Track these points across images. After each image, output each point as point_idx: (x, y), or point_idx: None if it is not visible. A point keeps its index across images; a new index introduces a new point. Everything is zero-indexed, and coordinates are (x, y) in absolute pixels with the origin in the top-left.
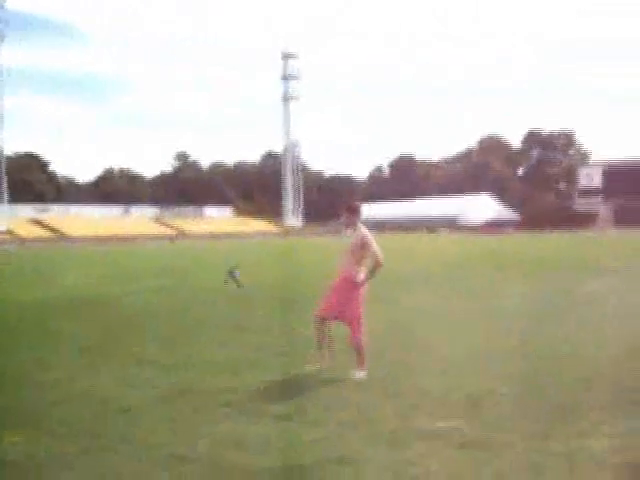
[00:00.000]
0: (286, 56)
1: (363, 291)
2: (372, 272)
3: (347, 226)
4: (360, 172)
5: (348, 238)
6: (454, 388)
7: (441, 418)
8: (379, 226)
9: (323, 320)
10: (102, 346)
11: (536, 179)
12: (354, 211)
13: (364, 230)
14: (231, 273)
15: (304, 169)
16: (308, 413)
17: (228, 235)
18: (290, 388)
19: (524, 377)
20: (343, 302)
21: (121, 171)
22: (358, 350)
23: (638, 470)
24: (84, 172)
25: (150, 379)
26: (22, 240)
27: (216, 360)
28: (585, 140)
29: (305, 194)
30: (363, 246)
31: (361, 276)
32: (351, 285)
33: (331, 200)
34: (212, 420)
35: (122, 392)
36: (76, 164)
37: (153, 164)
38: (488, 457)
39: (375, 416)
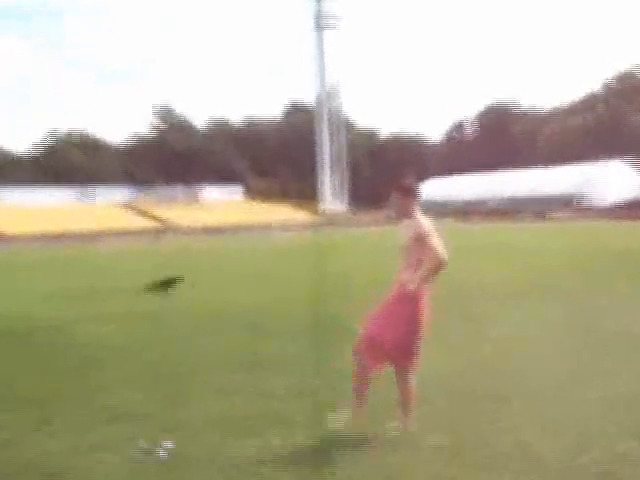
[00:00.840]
0: None
1: (422, 308)
2: (427, 276)
3: (398, 213)
4: (431, 132)
5: (403, 231)
6: (576, 452)
7: None
8: (459, 211)
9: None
10: (54, 395)
11: None
12: (407, 192)
13: (421, 219)
14: (167, 284)
15: (348, 128)
16: None
17: (237, 228)
18: (333, 454)
19: None
20: (389, 324)
21: (76, 135)
22: (406, 395)
23: None
24: (22, 141)
25: (128, 439)
26: None
27: (223, 413)
28: None
29: (352, 165)
30: (419, 242)
31: (411, 285)
32: (402, 299)
33: (391, 172)
34: None
35: (86, 462)
36: (11, 130)
37: (123, 125)
38: None
39: None
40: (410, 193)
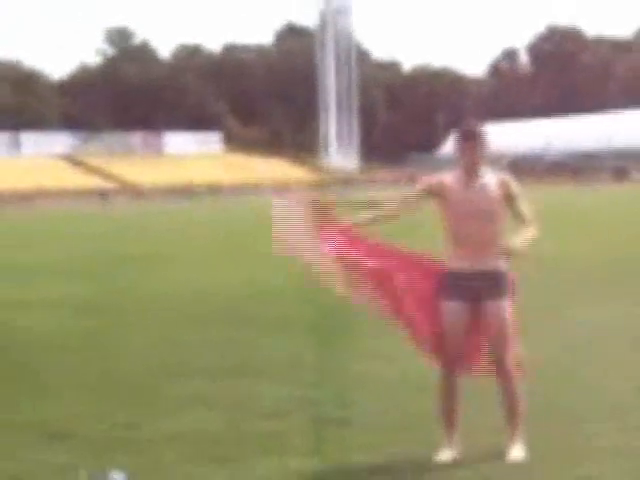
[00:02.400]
0: None
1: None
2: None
3: (473, 167)
4: (471, 64)
5: (468, 194)
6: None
7: None
8: (509, 168)
9: (453, 371)
10: None
11: None
12: (481, 138)
13: (502, 175)
14: None
15: (361, 57)
16: None
17: (215, 188)
18: None
19: None
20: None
21: (4, 69)
22: (513, 405)
23: None
24: None
25: (68, 466)
26: None
27: (198, 430)
28: None
29: (364, 107)
30: (505, 203)
31: (517, 243)
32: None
33: (416, 118)
34: None
35: None
36: None
37: (63, 53)
38: None
39: None
40: (484, 139)
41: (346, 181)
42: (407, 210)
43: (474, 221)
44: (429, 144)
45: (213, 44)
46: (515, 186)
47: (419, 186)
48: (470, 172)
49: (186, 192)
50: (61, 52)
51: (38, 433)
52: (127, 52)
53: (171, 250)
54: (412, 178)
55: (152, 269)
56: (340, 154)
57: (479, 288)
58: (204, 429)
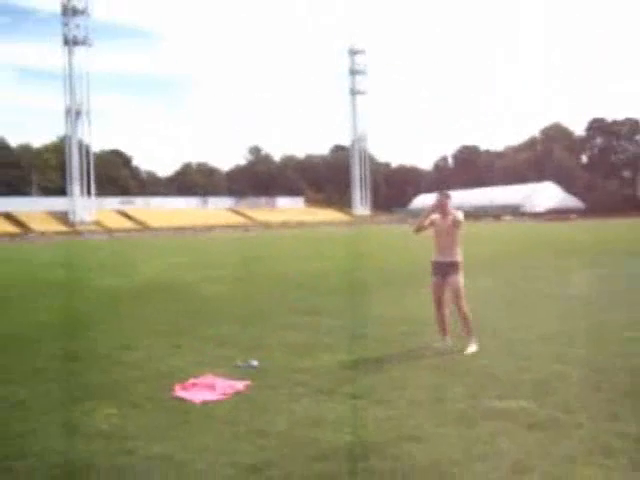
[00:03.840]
0: (353, 52)
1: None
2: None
3: (443, 210)
4: (425, 163)
5: (440, 222)
6: (522, 370)
7: (510, 398)
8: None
9: (438, 306)
10: (180, 329)
11: (600, 167)
12: (448, 197)
13: (457, 212)
14: None
15: (371, 160)
16: (379, 393)
17: (299, 224)
18: (363, 369)
19: (590, 360)
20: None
21: (199, 165)
22: (467, 324)
23: None
24: (164, 167)
25: (229, 359)
26: (109, 231)
27: (291, 342)
28: None
29: (372, 184)
30: (456, 227)
31: (459, 257)
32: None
33: (398, 189)
34: (288, 398)
35: (202, 371)
36: (157, 160)
37: (228, 158)
38: (556, 437)
39: (443, 395)
40: (449, 198)
41: (363, 220)
42: (428, 216)
43: (444, 235)
44: (404, 203)
45: (300, 153)
46: (461, 217)
47: (427, 213)
48: (443, 212)
49: (285, 226)
50: (225, 156)
51: (216, 341)
52: (259, 158)
53: (276, 253)
54: (397, 219)
55: (268, 262)
56: (361, 207)
57: (446, 269)
58: (294, 340)
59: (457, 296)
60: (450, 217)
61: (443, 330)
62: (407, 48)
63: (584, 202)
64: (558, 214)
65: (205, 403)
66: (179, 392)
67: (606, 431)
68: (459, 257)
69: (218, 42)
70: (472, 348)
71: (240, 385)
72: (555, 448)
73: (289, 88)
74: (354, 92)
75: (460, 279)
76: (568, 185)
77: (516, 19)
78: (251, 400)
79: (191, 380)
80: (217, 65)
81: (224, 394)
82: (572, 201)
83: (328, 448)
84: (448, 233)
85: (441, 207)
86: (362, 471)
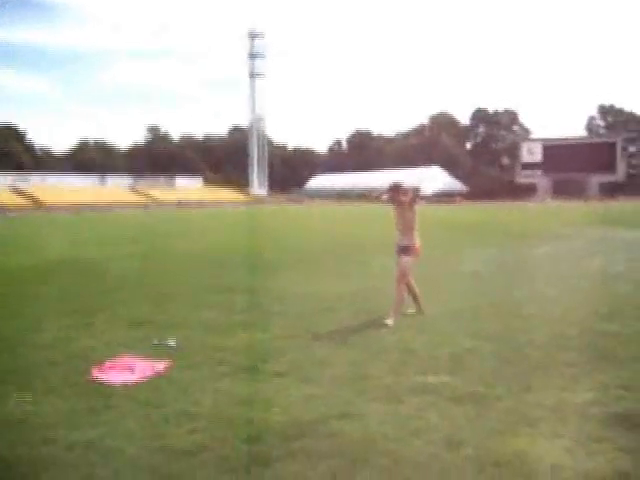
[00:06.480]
0: (252, 35)
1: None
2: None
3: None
4: (320, 146)
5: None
6: (437, 345)
7: (431, 373)
8: (335, 196)
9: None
10: (91, 308)
11: (482, 153)
12: (400, 188)
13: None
14: None
15: (269, 142)
16: (303, 370)
17: (198, 203)
18: (284, 346)
19: (498, 335)
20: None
21: (96, 143)
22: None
23: (614, 419)
24: (60, 143)
25: (145, 339)
26: (3, 209)
27: (208, 320)
28: (527, 118)
29: (270, 166)
30: (412, 208)
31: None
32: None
33: (294, 171)
34: (211, 378)
35: (118, 352)
36: (52, 136)
37: (127, 136)
38: (481, 410)
39: (367, 372)
40: (400, 188)
41: (261, 200)
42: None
43: (400, 221)
44: (300, 183)
45: (199, 134)
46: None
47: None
48: (398, 202)
49: (184, 205)
50: (124, 134)
51: (129, 321)
52: (157, 137)
53: (177, 231)
54: (298, 199)
55: (170, 239)
56: (259, 188)
57: (400, 250)
58: (208, 318)
59: (400, 274)
60: (406, 204)
61: (416, 302)
62: (306, 32)
63: (468, 186)
64: (445, 197)
65: (126, 385)
66: (97, 375)
67: (524, 402)
68: (409, 241)
69: (127, 17)
70: (389, 322)
71: (160, 366)
72: (482, 421)
73: (190, 69)
74: (253, 75)
75: (410, 260)
76: (454, 170)
77: (408, 6)
78: (173, 381)
79: (108, 362)
80: (124, 40)
81: (144, 376)
82: (457, 185)
83: (260, 428)
84: (404, 219)
85: (394, 199)
86: (299, 451)
